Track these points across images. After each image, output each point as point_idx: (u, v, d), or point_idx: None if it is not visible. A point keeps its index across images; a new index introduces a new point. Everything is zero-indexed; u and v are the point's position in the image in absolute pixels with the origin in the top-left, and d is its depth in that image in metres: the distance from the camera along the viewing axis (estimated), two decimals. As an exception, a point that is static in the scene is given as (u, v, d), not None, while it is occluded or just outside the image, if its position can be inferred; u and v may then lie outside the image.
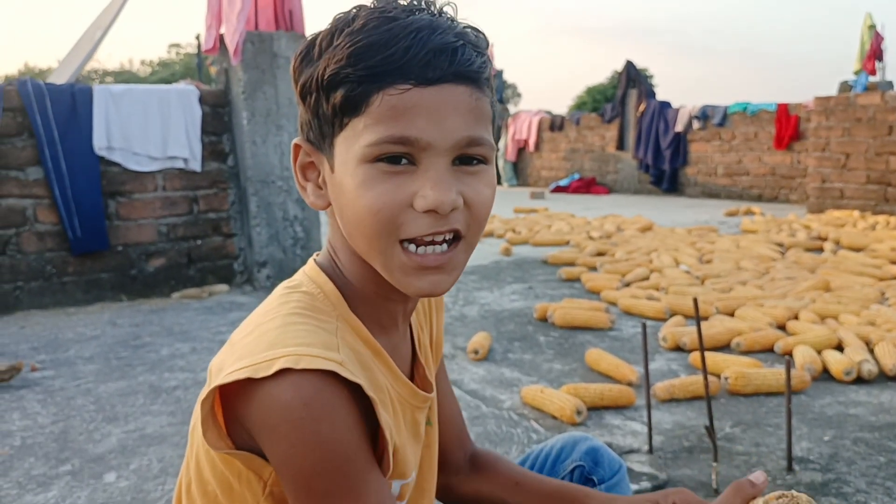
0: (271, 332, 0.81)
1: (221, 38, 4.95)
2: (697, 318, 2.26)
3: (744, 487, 0.94)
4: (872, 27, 9.86)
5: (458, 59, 0.79)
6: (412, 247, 0.81)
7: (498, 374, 3.12)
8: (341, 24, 0.82)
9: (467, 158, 0.82)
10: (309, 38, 0.85)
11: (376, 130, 0.77)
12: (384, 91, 0.77)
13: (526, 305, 4.37)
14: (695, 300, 2.23)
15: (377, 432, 0.83)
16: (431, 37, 0.78)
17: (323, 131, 0.83)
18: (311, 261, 0.94)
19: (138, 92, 4.72)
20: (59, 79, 5.49)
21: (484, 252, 6.56)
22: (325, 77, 0.79)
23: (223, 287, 4.97)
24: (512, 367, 3.22)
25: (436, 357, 1.09)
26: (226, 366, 0.80)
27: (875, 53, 9.69)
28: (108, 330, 4.00)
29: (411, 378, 1.00)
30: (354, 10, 0.83)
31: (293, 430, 0.76)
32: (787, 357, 2.10)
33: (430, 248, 0.81)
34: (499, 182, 16.89)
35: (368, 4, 0.83)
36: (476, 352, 3.32)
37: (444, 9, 0.84)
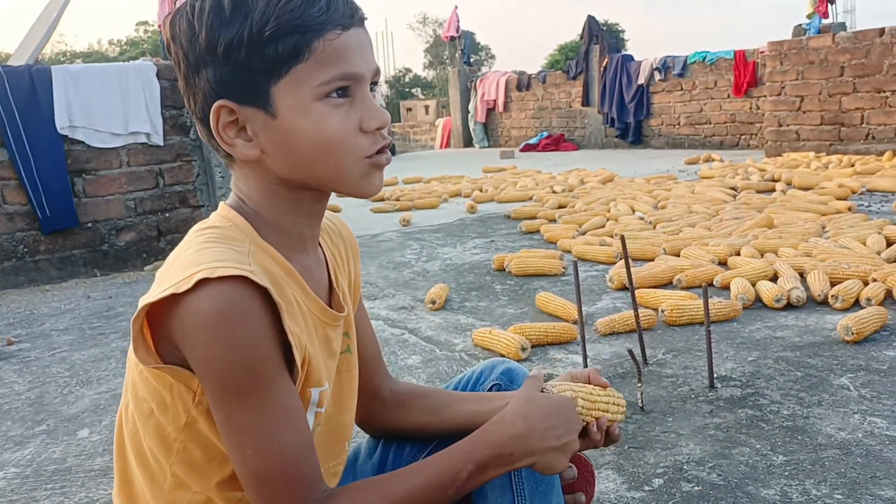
0: (189, 257, 0.94)
1: (175, 13, 5.00)
2: (625, 252, 2.45)
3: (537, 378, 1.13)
4: (825, -30, 10.01)
5: (357, 7, 0.98)
6: (370, 160, 0.99)
7: (454, 321, 3.30)
8: None
9: (371, 85, 1.00)
10: (197, 1, 0.94)
11: (325, 71, 0.92)
12: (324, 38, 0.91)
13: (486, 258, 4.54)
14: (622, 237, 2.41)
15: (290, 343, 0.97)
16: None
17: (256, 85, 0.92)
18: (221, 204, 1.07)
19: (96, 70, 4.79)
20: (18, 61, 5.54)
21: (450, 211, 6.72)
22: (265, 33, 0.90)
23: (193, 257, 5.08)
24: (468, 314, 3.40)
25: (354, 298, 1.25)
26: (151, 294, 0.94)
27: (828, -4, 9.86)
28: (82, 303, 4.13)
29: (329, 302, 1.15)
30: None
31: (210, 334, 0.89)
32: (705, 285, 2.28)
33: (382, 157, 1.00)
34: (470, 144, 17.00)
35: None
36: (433, 302, 3.49)
37: None
